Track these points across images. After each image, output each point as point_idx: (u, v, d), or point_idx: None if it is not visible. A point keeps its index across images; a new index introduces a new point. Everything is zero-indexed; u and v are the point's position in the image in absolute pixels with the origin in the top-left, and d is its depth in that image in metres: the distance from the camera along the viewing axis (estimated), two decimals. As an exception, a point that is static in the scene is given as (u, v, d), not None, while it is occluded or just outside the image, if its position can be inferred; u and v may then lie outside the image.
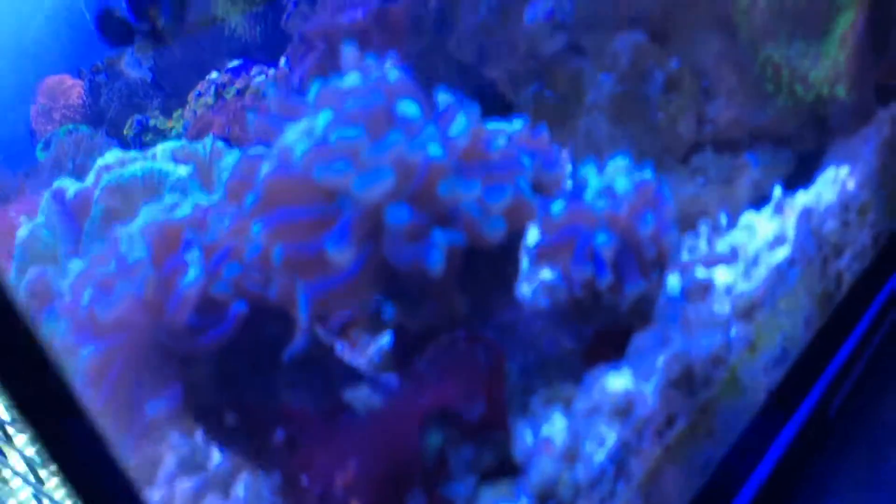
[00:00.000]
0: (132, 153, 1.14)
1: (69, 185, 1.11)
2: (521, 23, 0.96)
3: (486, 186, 0.64)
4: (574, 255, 0.65)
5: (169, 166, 1.10)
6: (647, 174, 0.69)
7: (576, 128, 0.90)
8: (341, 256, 0.60)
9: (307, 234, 0.62)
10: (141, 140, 1.52)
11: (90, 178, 1.10)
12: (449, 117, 0.66)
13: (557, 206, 0.67)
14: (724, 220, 0.84)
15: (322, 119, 0.63)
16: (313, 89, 0.66)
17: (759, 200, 0.86)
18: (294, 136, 0.64)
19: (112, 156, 1.12)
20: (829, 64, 0.79)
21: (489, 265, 0.69)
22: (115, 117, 1.60)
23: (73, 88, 1.70)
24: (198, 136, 1.38)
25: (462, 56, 1.15)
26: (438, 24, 1.16)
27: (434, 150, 0.63)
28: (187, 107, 1.48)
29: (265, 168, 0.63)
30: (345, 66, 0.68)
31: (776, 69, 0.81)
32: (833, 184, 0.80)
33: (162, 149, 1.16)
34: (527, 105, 0.95)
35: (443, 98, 0.68)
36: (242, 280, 0.68)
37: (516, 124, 0.74)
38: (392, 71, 0.66)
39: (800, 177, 0.87)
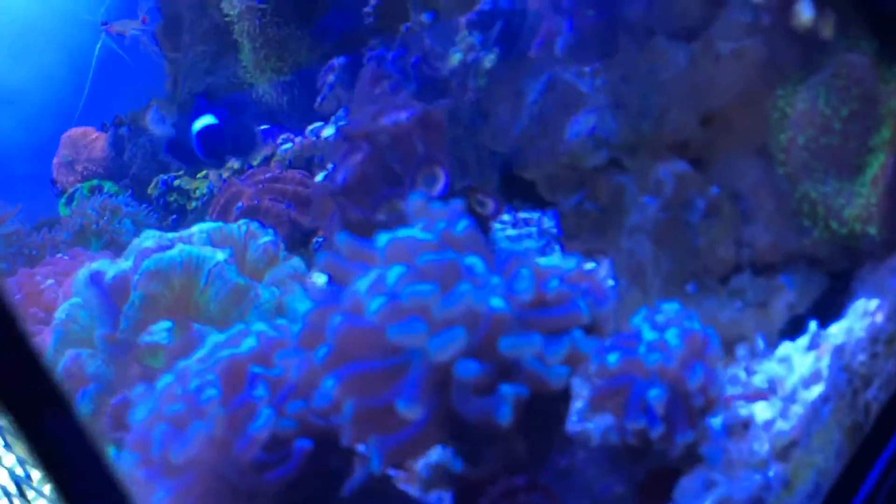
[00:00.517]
0: (170, 235, 1.16)
1: (108, 268, 1.12)
2: (563, 134, 0.99)
3: (544, 338, 0.67)
4: (628, 408, 0.68)
5: (207, 251, 1.12)
6: (696, 324, 0.72)
7: (618, 243, 0.93)
8: (411, 413, 0.63)
9: (378, 387, 0.64)
10: (165, 200, 1.54)
11: (129, 262, 1.12)
12: (512, 270, 0.69)
13: (613, 357, 0.70)
14: (761, 344, 0.87)
15: (394, 273, 0.65)
16: (382, 240, 0.68)
17: (794, 322, 0.90)
18: (366, 288, 0.66)
19: (150, 239, 1.13)
20: (861, 203, 0.83)
21: (544, 405, 0.72)
22: (139, 173, 1.62)
23: (97, 141, 1.71)
24: (227, 204, 1.40)
25: (496, 147, 1.18)
26: (474, 115, 1.19)
27: (497, 302, 0.66)
28: (213, 169, 1.50)
29: (337, 320, 0.66)
30: (411, 214, 0.71)
31: (812, 205, 0.84)
32: (863, 317, 0.84)
33: (199, 230, 1.18)
34: (569, 214, 0.98)
35: (505, 247, 0.71)
36: (306, 413, 0.71)
37: (570, 262, 0.76)
38: (460, 222, 0.69)
39: (832, 299, 0.91)
